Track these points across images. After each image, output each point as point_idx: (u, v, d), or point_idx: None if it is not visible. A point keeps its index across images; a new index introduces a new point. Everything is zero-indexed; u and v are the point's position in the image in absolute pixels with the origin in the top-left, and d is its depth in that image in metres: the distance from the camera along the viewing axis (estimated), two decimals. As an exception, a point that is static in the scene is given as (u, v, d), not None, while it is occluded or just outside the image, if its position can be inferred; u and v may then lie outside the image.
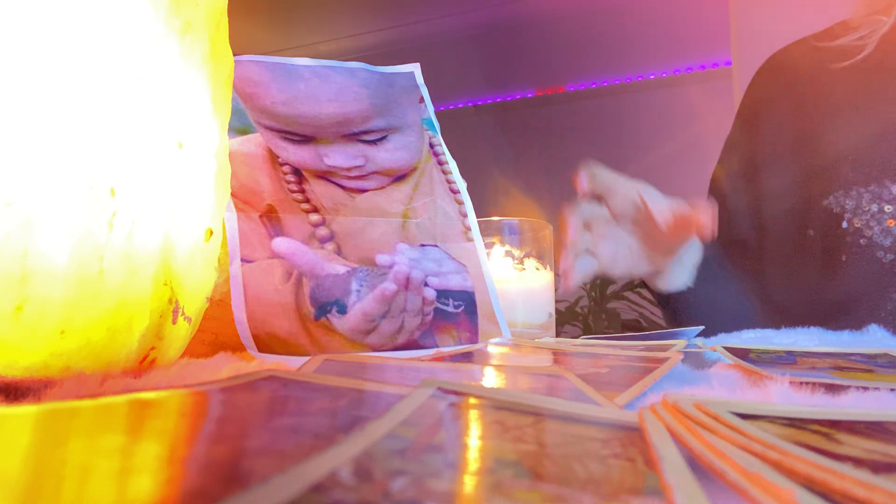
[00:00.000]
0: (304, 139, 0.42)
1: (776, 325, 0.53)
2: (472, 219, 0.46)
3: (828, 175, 0.61)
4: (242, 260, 0.36)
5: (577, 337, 0.49)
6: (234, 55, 0.31)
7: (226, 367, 0.28)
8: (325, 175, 0.42)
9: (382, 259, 0.40)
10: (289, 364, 0.33)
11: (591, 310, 2.23)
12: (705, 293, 0.60)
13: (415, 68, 0.49)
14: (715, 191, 0.71)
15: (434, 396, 0.16)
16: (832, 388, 0.24)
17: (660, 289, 0.60)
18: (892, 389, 0.23)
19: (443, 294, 0.41)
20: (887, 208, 0.56)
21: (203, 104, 0.27)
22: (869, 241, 0.57)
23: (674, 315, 0.61)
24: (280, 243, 0.38)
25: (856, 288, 0.58)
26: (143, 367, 0.24)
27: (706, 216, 0.49)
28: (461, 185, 0.47)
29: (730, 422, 0.15)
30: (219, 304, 0.36)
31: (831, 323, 0.50)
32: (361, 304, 0.38)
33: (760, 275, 0.66)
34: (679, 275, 0.59)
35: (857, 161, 0.59)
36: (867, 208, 0.57)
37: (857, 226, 0.57)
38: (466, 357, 0.33)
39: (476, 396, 0.17)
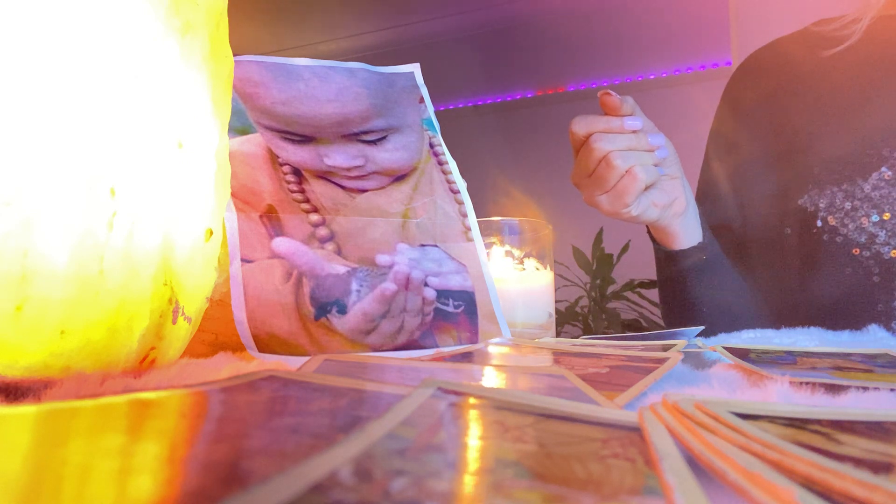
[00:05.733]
0: (304, 139, 0.42)
1: (767, 323, 0.53)
2: (472, 219, 0.46)
3: (803, 174, 0.61)
4: (242, 260, 0.36)
5: (577, 337, 0.49)
6: (234, 55, 0.31)
7: (226, 367, 0.28)
8: (325, 175, 0.42)
9: (382, 259, 0.40)
10: (289, 364, 0.33)
11: (591, 310, 2.23)
12: (708, 282, 0.60)
13: (415, 68, 0.49)
14: (703, 190, 0.72)
15: (434, 396, 0.16)
16: (832, 388, 0.24)
17: (673, 247, 0.60)
18: (892, 389, 0.23)
19: (443, 294, 0.41)
20: (861, 206, 0.57)
21: (203, 104, 0.27)
22: (844, 239, 0.57)
23: (685, 277, 0.61)
24: (280, 243, 0.38)
25: (837, 286, 0.58)
26: (143, 367, 0.24)
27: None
28: (461, 185, 0.47)
29: (730, 422, 0.15)
30: (219, 304, 0.36)
31: (820, 322, 0.50)
32: (361, 304, 0.38)
33: (746, 273, 0.66)
34: (692, 229, 0.59)
35: (830, 160, 0.59)
36: (840, 206, 0.57)
37: (831, 223, 0.58)
38: (466, 357, 0.33)
39: (476, 396, 0.17)
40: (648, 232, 0.62)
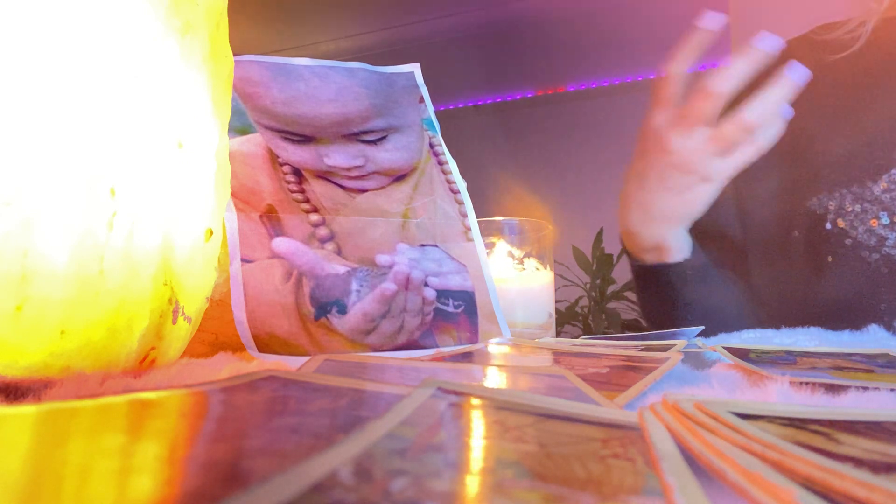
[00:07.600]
0: (304, 139, 0.42)
1: (772, 326, 0.53)
2: (472, 219, 0.46)
3: (811, 176, 0.61)
4: (242, 260, 0.36)
5: (577, 337, 0.49)
6: (234, 55, 0.31)
7: (226, 367, 0.28)
8: (325, 175, 0.42)
9: (382, 259, 0.40)
10: (289, 364, 0.33)
11: (591, 310, 2.23)
12: (702, 290, 0.60)
13: (415, 68, 0.49)
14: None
15: (434, 396, 0.16)
16: (832, 388, 0.24)
17: (665, 259, 0.59)
18: (892, 389, 0.23)
19: (443, 294, 0.41)
20: (870, 208, 0.56)
21: (203, 104, 0.27)
22: (854, 241, 0.57)
23: (668, 291, 0.59)
24: (280, 243, 0.38)
25: (844, 289, 0.57)
26: (143, 367, 0.24)
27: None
28: (461, 185, 0.47)
29: (730, 422, 0.15)
30: (219, 304, 0.36)
31: (824, 324, 0.50)
32: (361, 304, 0.38)
33: (749, 277, 0.66)
34: (684, 243, 0.58)
35: (839, 162, 0.59)
36: (850, 209, 0.57)
37: (840, 226, 0.57)
38: (466, 357, 0.33)
39: (476, 396, 0.17)
40: (626, 251, 0.61)
